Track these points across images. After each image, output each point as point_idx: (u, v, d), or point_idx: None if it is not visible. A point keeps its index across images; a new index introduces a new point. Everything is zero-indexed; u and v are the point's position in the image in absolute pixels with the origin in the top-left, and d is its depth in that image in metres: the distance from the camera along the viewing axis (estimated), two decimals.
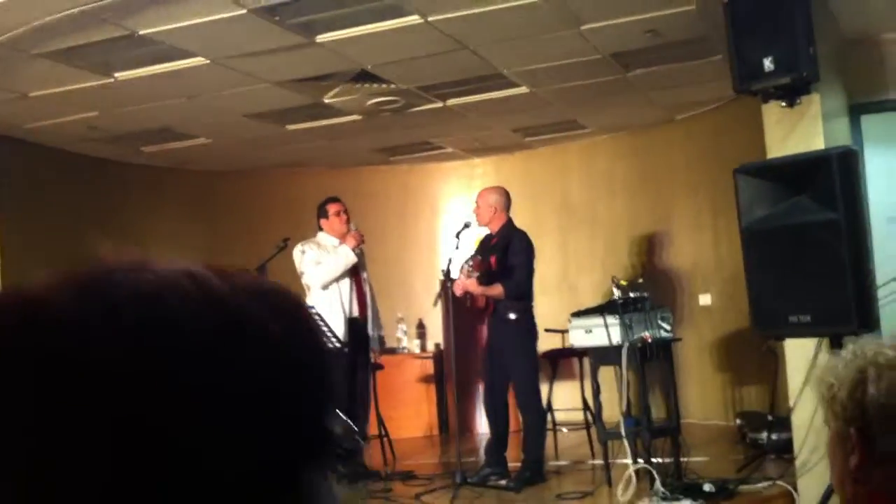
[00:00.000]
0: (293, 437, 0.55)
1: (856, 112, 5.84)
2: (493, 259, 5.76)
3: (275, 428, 0.54)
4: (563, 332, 6.61)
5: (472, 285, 5.64)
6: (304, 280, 6.17)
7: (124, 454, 0.49)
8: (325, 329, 5.33)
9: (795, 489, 4.69)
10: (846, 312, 3.79)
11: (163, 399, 0.51)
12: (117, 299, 0.52)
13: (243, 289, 0.57)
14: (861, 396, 1.45)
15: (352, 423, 6.05)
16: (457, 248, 5.56)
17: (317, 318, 5.22)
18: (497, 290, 5.68)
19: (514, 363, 5.70)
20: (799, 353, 4.61)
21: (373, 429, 6.83)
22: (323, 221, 6.35)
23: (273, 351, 0.56)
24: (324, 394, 0.59)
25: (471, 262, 5.56)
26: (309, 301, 5.96)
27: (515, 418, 5.92)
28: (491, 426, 5.92)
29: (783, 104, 4.69)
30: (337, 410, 0.62)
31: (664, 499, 4.82)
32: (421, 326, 8.90)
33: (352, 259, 6.16)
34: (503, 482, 5.61)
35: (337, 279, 6.15)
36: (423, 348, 8.83)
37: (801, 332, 3.97)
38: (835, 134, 4.94)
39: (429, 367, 8.66)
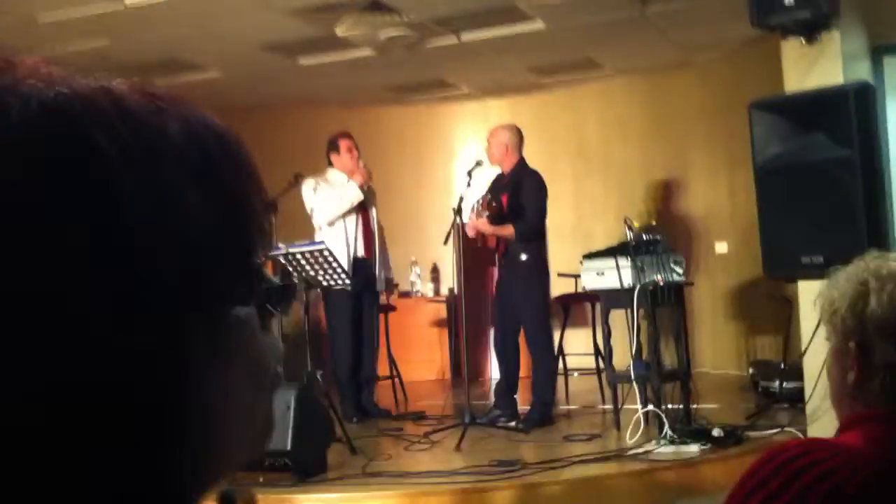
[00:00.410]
0: (204, 270, 0.50)
1: (878, 54, 5.68)
2: (504, 199, 5.70)
3: (175, 261, 0.49)
4: (576, 276, 6.56)
5: (483, 224, 5.59)
6: (314, 217, 6.14)
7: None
8: (335, 266, 5.31)
9: (805, 436, 4.66)
10: (860, 253, 3.70)
11: (48, 229, 0.46)
12: (22, 112, 0.47)
13: (170, 114, 0.53)
14: (862, 309, 1.42)
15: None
16: (468, 185, 5.50)
17: (328, 255, 5.22)
18: (508, 230, 5.63)
19: (524, 304, 5.67)
20: (812, 297, 4.54)
21: (384, 370, 6.86)
22: (333, 156, 6.29)
23: (190, 183, 0.51)
24: (247, 233, 0.55)
25: (480, 201, 5.51)
26: (318, 237, 5.94)
27: (526, 362, 5.91)
28: (501, 368, 5.92)
29: (802, 40, 4.58)
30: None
31: (672, 442, 4.80)
32: (435, 270, 8.89)
33: (358, 196, 6.12)
34: (512, 423, 5.62)
35: (343, 216, 6.11)
36: (436, 292, 8.83)
37: (813, 273, 3.89)
38: (855, 75, 4.81)
39: (442, 311, 8.66)
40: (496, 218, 5.62)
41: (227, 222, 0.53)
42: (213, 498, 0.55)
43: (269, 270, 0.58)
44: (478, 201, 5.57)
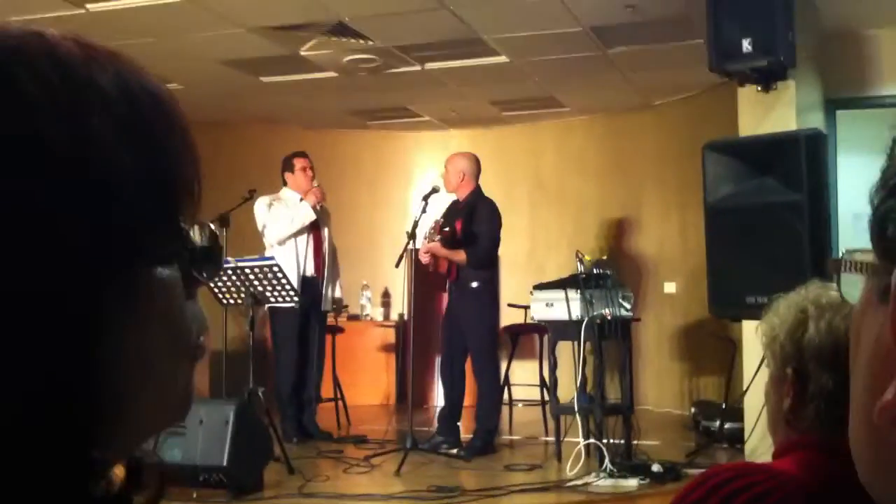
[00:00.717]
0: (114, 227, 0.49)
1: (831, 106, 5.83)
2: (458, 225, 5.71)
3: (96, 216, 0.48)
4: (526, 307, 6.59)
5: (436, 247, 5.61)
6: (265, 234, 6.10)
7: None
8: (283, 283, 5.27)
9: None
10: None
11: None
12: None
13: (103, 65, 0.53)
14: (800, 336, 1.44)
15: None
16: (423, 211, 5.50)
17: (277, 271, 5.18)
18: (460, 255, 5.64)
19: (473, 331, 5.67)
20: (756, 338, 4.61)
21: (328, 392, 6.80)
22: (288, 175, 6.28)
23: (118, 136, 0.50)
24: (174, 192, 0.54)
25: (433, 225, 5.53)
26: (269, 254, 5.90)
27: (471, 391, 5.90)
28: (446, 394, 5.90)
29: (759, 88, 4.69)
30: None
31: (612, 476, 4.82)
32: (386, 295, 8.86)
33: (310, 216, 6.10)
34: (454, 451, 5.59)
35: (294, 235, 6.08)
36: (386, 317, 8.80)
37: (757, 313, 3.93)
38: (809, 124, 4.93)
39: (390, 336, 8.63)
40: (449, 243, 5.63)
41: (153, 179, 0.52)
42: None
43: (196, 235, 0.57)
44: (431, 225, 5.59)
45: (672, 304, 8.02)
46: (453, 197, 5.96)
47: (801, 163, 3.81)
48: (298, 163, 6.25)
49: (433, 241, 5.59)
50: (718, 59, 4.48)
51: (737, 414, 5.47)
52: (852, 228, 5.75)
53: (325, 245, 6.30)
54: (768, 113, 4.84)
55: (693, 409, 6.87)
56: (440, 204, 5.99)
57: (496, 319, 6.02)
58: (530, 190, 8.88)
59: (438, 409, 6.24)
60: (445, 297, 6.01)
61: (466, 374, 5.84)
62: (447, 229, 5.62)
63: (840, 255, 0.53)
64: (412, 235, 5.47)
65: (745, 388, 4.62)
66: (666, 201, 8.12)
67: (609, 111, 8.42)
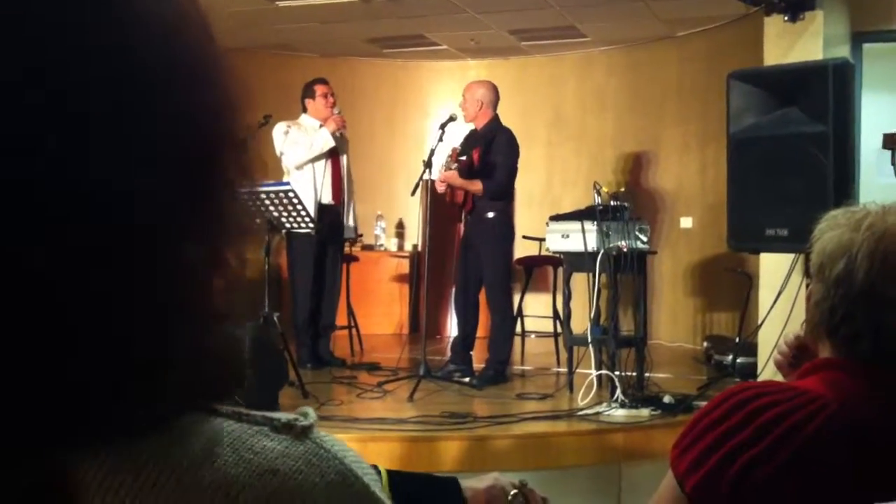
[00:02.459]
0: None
1: (858, 40, 5.70)
2: (475, 154, 5.66)
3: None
4: (541, 240, 6.56)
5: (453, 176, 5.56)
6: (283, 160, 6.08)
7: None
8: (299, 209, 5.25)
9: None
10: None
11: None
12: None
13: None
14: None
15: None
16: (440, 140, 5.45)
17: (293, 196, 5.16)
18: (477, 185, 5.60)
19: (487, 262, 5.66)
20: (772, 272, 4.59)
21: (343, 320, 6.83)
22: (308, 101, 6.22)
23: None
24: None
25: (450, 153, 5.48)
26: (286, 180, 5.87)
27: (485, 322, 5.92)
28: (459, 324, 5.92)
29: (785, 18, 4.58)
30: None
31: (623, 406, 4.84)
32: (400, 226, 8.86)
33: (329, 143, 6.05)
34: (466, 379, 5.63)
35: (312, 161, 6.05)
36: (400, 248, 8.81)
37: (776, 246, 3.92)
38: (835, 56, 4.83)
39: (404, 266, 8.65)
40: (466, 173, 5.59)
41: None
42: None
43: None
44: (448, 153, 5.54)
45: (688, 239, 7.99)
46: (471, 126, 5.90)
47: (829, 93, 3.73)
48: (319, 89, 6.19)
49: (450, 169, 5.54)
50: None
51: (750, 349, 5.47)
52: (875, 165, 5.68)
53: (344, 172, 6.27)
54: (794, 44, 4.74)
55: (705, 344, 6.89)
56: (457, 133, 5.93)
57: (511, 251, 6.01)
58: (548, 123, 8.79)
59: (451, 339, 6.26)
60: (461, 227, 5.99)
61: (480, 304, 5.85)
62: (464, 158, 5.57)
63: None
64: (428, 164, 5.43)
65: (759, 322, 4.61)
66: (686, 136, 8.03)
67: (631, 42, 8.28)
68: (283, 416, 0.53)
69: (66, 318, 0.43)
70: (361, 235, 7.54)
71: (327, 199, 6.13)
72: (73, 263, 0.43)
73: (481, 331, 5.93)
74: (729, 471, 1.31)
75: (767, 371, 4.69)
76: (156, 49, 0.48)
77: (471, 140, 5.82)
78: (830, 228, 1.44)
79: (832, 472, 1.30)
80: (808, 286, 1.51)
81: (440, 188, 5.70)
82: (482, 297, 5.82)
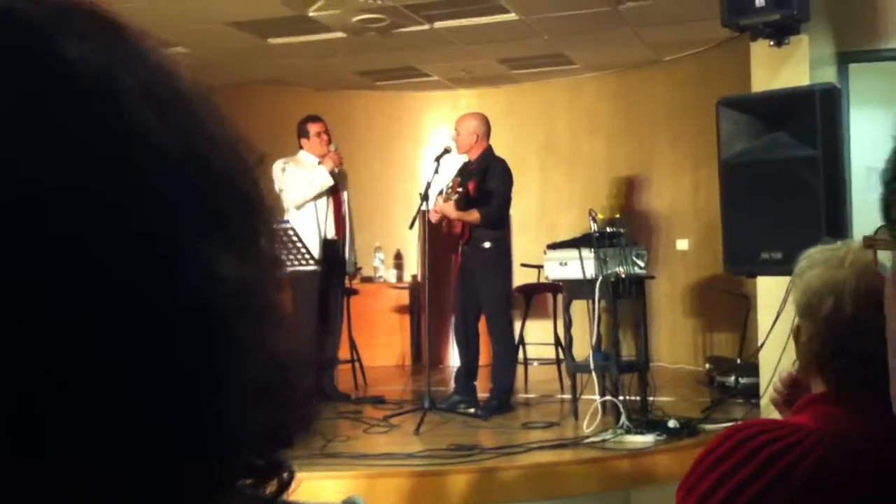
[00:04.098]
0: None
1: (844, 61, 5.78)
2: (471, 185, 5.72)
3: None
4: (539, 267, 6.61)
5: (449, 209, 5.61)
6: (283, 198, 6.12)
7: None
8: (299, 246, 5.30)
9: None
10: None
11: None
12: None
13: None
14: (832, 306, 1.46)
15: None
16: (436, 172, 5.51)
17: (293, 234, 5.21)
18: (474, 215, 5.65)
19: (486, 291, 5.70)
20: (770, 294, 4.63)
21: (345, 354, 6.86)
22: (303, 141, 6.29)
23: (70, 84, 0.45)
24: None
25: (450, 184, 5.53)
26: (286, 218, 5.92)
27: (487, 350, 5.95)
28: (461, 354, 5.95)
29: (771, 43, 4.65)
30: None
31: (628, 432, 4.87)
32: (399, 257, 8.90)
33: (328, 182, 6.11)
34: (471, 410, 5.65)
35: (313, 200, 6.10)
36: (399, 279, 8.84)
37: (771, 269, 3.96)
38: (822, 79, 4.89)
39: (404, 297, 8.68)
40: (463, 203, 5.64)
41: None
42: None
43: None
44: (447, 185, 5.58)
45: (685, 261, 8.04)
46: (464, 158, 5.97)
47: (816, 118, 3.79)
48: (313, 128, 6.25)
49: (450, 199, 5.57)
50: (731, 14, 4.45)
51: (751, 369, 5.51)
52: (865, 181, 5.73)
53: (345, 206, 6.32)
54: (781, 67, 4.81)
55: (707, 365, 6.92)
56: (452, 164, 5.99)
57: (509, 279, 6.05)
58: (541, 149, 8.87)
59: (455, 370, 6.29)
60: (458, 258, 6.04)
61: (480, 333, 5.88)
62: (461, 190, 5.61)
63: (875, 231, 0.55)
64: (425, 197, 5.49)
65: (760, 344, 4.65)
66: (678, 158, 8.10)
67: (620, 68, 8.37)
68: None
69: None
70: (360, 268, 7.58)
71: (331, 234, 6.18)
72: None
73: (484, 359, 5.96)
74: None
75: (770, 393, 4.71)
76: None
77: (465, 171, 5.88)
78: (810, 267, 1.51)
79: (834, 502, 1.35)
80: (794, 324, 1.57)
81: (434, 218, 5.74)
82: (482, 326, 5.85)
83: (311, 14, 6.56)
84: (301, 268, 5.56)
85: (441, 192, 5.61)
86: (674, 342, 8.05)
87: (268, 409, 0.51)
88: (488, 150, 5.88)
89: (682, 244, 8.13)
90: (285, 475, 0.55)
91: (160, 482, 0.46)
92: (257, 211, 0.53)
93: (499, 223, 5.83)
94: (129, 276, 0.44)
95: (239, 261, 0.49)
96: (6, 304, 0.41)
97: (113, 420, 0.44)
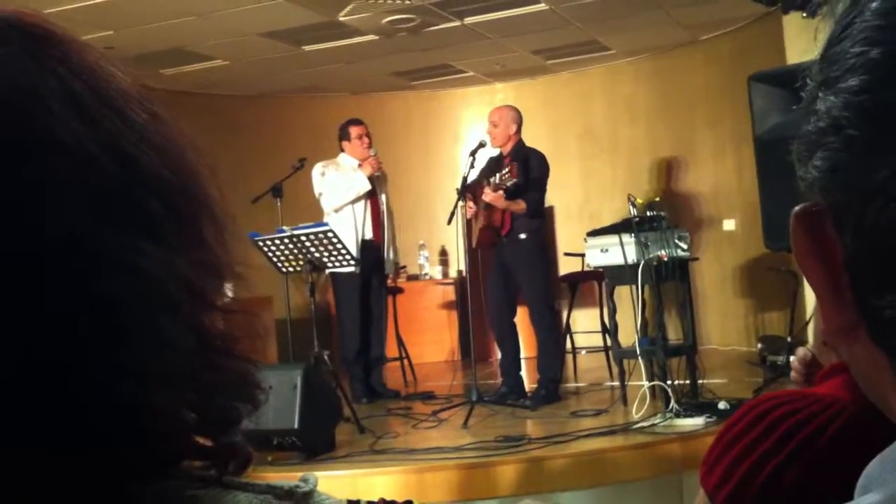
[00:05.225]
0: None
1: None
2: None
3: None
4: (582, 255, 6.58)
5: (499, 198, 5.57)
6: (322, 201, 6.19)
7: None
8: (339, 248, 5.35)
9: None
10: None
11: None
12: None
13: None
14: None
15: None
16: (472, 166, 5.52)
17: (332, 236, 5.26)
18: (521, 205, 5.64)
19: (526, 282, 5.69)
20: None
21: (393, 352, 6.90)
22: (345, 143, 6.34)
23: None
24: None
25: (506, 173, 5.46)
26: (325, 220, 5.98)
27: (531, 342, 5.94)
28: (502, 346, 5.93)
29: (804, 14, 4.58)
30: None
31: (678, 416, 4.82)
32: (443, 253, 8.93)
33: (365, 187, 6.15)
34: (520, 401, 5.64)
35: (350, 203, 6.16)
36: (444, 275, 8.87)
37: None
38: None
39: (450, 293, 8.70)
40: (510, 194, 5.60)
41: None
42: None
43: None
44: (503, 173, 5.50)
45: (732, 242, 7.94)
46: (494, 151, 5.95)
47: None
48: (354, 131, 6.31)
49: (500, 189, 5.52)
50: None
51: (802, 346, 5.42)
52: None
53: (383, 208, 6.37)
54: (815, 39, 4.73)
55: (759, 345, 6.82)
56: (487, 158, 5.98)
57: (548, 268, 6.03)
58: (580, 137, 8.83)
59: (499, 361, 6.29)
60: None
61: (518, 325, 5.88)
62: (515, 180, 5.53)
63: None
64: (462, 192, 5.49)
65: (807, 319, 4.58)
66: (719, 138, 8.01)
67: (655, 51, 8.30)
68: (284, 483, 0.58)
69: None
70: (404, 267, 7.62)
71: (369, 235, 6.23)
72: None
73: (530, 350, 5.95)
74: (757, 480, 1.35)
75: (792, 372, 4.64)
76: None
77: (498, 164, 5.87)
78: None
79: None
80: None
81: (469, 213, 5.70)
82: (525, 316, 5.85)
83: (341, 18, 6.61)
84: (341, 269, 5.61)
85: (488, 183, 5.57)
86: (725, 324, 7.96)
87: (201, 394, 0.53)
88: (521, 142, 5.88)
89: (729, 224, 8.03)
90: (241, 455, 0.56)
91: (96, 465, 0.48)
92: (196, 207, 0.55)
93: (540, 212, 5.84)
94: (24, 266, 0.46)
95: (162, 253, 0.51)
96: None
97: (47, 411, 0.47)
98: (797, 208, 0.57)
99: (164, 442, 0.51)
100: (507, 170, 5.50)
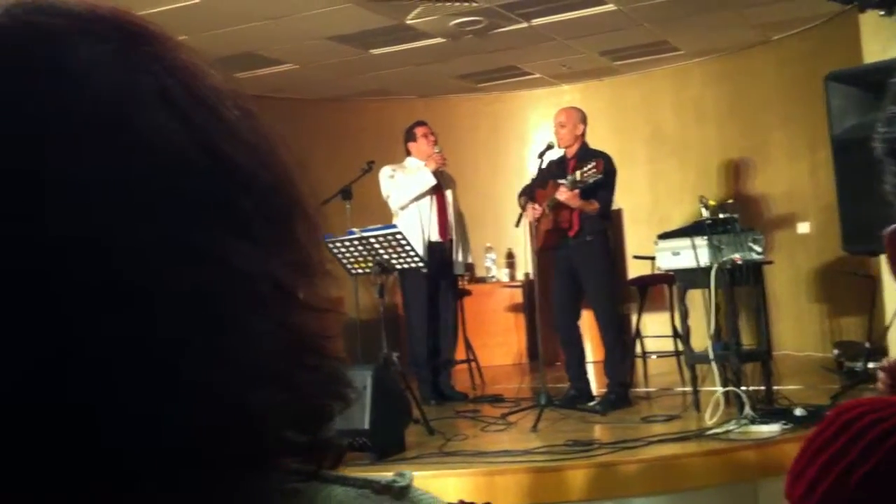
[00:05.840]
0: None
1: None
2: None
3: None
4: (652, 258, 6.51)
5: (573, 198, 5.52)
6: (390, 203, 6.23)
7: None
8: (407, 249, 5.37)
9: None
10: None
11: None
12: None
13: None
14: None
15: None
16: (540, 168, 5.51)
17: (401, 238, 5.29)
18: (593, 205, 5.60)
19: (591, 284, 5.65)
20: None
21: (460, 354, 6.91)
22: (411, 144, 6.39)
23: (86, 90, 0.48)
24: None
25: (592, 167, 5.42)
26: (394, 223, 6.02)
27: (598, 346, 5.89)
28: (567, 350, 5.88)
29: (881, 13, 4.46)
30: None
31: (753, 422, 4.73)
32: (510, 256, 8.92)
33: (430, 182, 6.17)
34: (589, 405, 5.60)
35: (417, 200, 6.18)
36: (511, 277, 8.86)
37: None
38: None
39: (518, 296, 8.69)
40: (584, 191, 5.56)
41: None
42: None
43: None
44: (586, 169, 5.45)
45: (806, 245, 7.77)
46: (558, 153, 5.92)
47: None
48: (420, 131, 6.36)
49: (574, 188, 5.47)
50: None
51: (881, 352, 5.29)
52: None
53: (450, 209, 6.38)
54: (893, 37, 4.61)
55: (835, 351, 6.66)
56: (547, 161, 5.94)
57: (615, 271, 5.98)
58: (648, 140, 8.73)
59: (566, 365, 6.25)
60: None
61: (582, 327, 5.83)
62: (600, 176, 5.47)
63: None
64: (527, 195, 5.49)
65: (887, 325, 4.46)
66: (792, 139, 7.85)
67: (725, 51, 8.18)
68: (382, 478, 0.58)
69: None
70: (473, 263, 7.62)
71: (435, 236, 6.24)
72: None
73: (597, 354, 5.90)
74: (843, 492, 1.32)
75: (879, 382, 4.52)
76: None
77: (563, 165, 5.83)
78: None
79: None
80: None
81: (534, 215, 5.67)
82: (591, 319, 5.81)
83: (409, 22, 6.65)
84: (409, 268, 5.64)
85: (556, 184, 5.53)
86: (800, 329, 7.79)
87: (294, 392, 0.53)
88: (585, 144, 5.86)
89: (804, 227, 7.86)
90: (335, 451, 0.57)
91: (188, 460, 0.48)
92: (288, 204, 0.55)
93: (609, 214, 5.81)
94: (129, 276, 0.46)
95: (253, 250, 0.51)
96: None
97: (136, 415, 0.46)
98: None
99: (259, 437, 0.51)
100: (592, 164, 5.44)
